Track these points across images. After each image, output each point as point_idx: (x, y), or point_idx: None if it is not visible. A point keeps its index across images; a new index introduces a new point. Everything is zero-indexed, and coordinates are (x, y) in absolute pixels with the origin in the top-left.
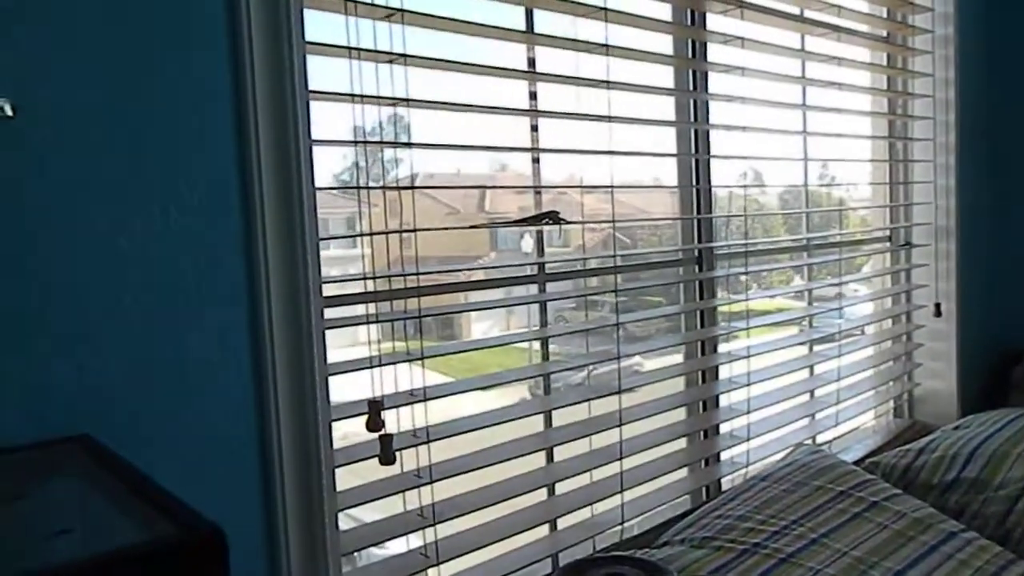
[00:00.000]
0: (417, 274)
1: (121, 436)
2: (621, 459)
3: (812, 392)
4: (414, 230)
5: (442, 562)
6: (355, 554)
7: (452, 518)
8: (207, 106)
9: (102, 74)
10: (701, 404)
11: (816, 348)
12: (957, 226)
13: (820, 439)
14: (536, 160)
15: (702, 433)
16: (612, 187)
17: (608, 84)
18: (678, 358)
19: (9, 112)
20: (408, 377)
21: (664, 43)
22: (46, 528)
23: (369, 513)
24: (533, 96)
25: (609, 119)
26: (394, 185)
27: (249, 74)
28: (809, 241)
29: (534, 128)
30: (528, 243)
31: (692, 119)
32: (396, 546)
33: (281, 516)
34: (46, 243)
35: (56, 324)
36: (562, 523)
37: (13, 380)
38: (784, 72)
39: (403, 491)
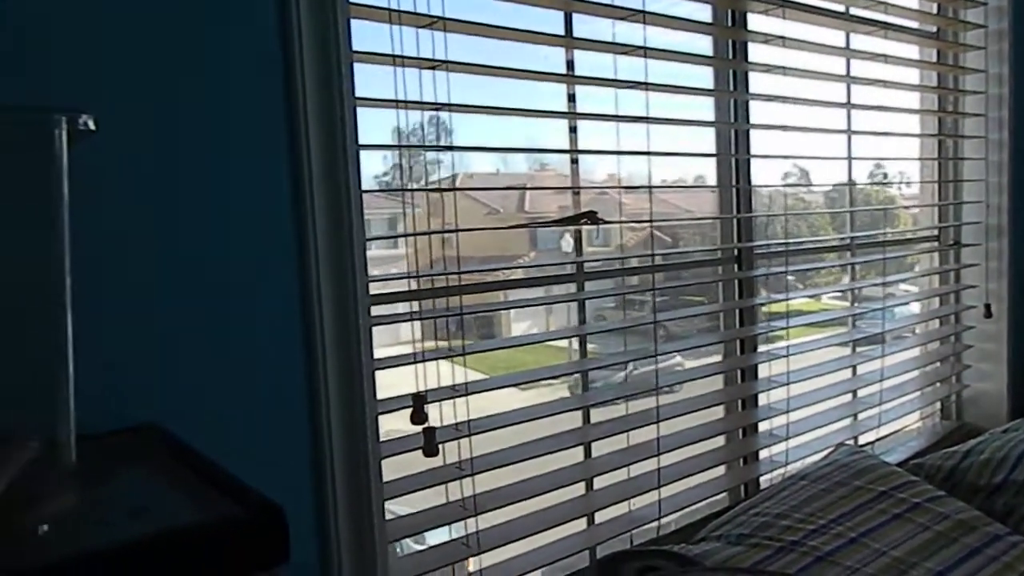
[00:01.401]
0: (459, 272)
1: (185, 425)
2: (659, 455)
3: (855, 392)
4: (456, 230)
5: (483, 552)
6: (394, 545)
7: (492, 509)
8: (261, 116)
9: (162, 85)
10: (740, 403)
11: (862, 348)
12: (1009, 225)
13: (862, 440)
14: (575, 161)
15: (740, 431)
16: (650, 187)
17: (647, 86)
18: (717, 357)
19: (92, 126)
20: (449, 373)
21: (704, 44)
22: (124, 508)
23: (402, 507)
24: (572, 98)
25: (647, 120)
26: (436, 186)
27: (300, 84)
28: (853, 240)
29: (572, 130)
30: (568, 243)
31: (732, 119)
32: (434, 538)
33: (331, 504)
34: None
35: (128, 324)
36: (599, 517)
37: (92, 375)
38: (828, 70)
39: (446, 482)
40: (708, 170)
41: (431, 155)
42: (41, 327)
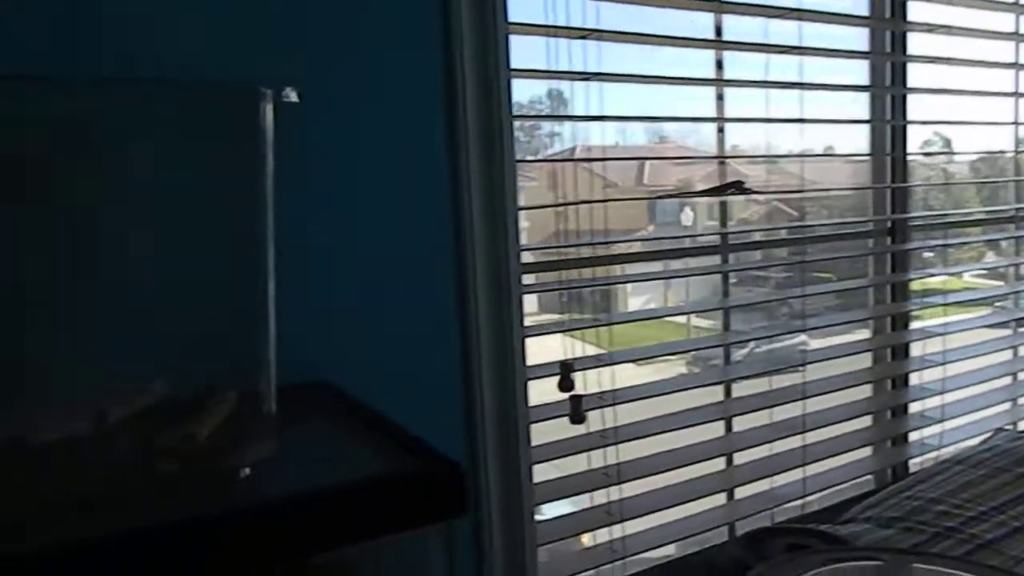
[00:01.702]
0: (607, 243)
1: (351, 384)
2: (804, 432)
3: (1015, 376)
4: (605, 200)
5: (625, 520)
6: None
7: (635, 479)
8: (421, 84)
9: (346, 73)
10: (889, 382)
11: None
12: None
13: (1022, 426)
14: (721, 130)
15: (889, 412)
16: (802, 156)
17: (801, 50)
18: (864, 334)
19: (295, 98)
20: (578, 345)
21: (861, 6)
22: (310, 456)
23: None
24: (720, 65)
25: (800, 86)
26: (587, 156)
27: (458, 55)
28: (1018, 212)
29: (720, 97)
30: (688, 216)
31: (888, 83)
32: (561, 508)
33: (483, 465)
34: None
35: (311, 290)
36: (739, 493)
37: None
38: (993, 29)
39: (589, 450)
40: (838, 140)
41: (546, 127)
42: (246, 290)
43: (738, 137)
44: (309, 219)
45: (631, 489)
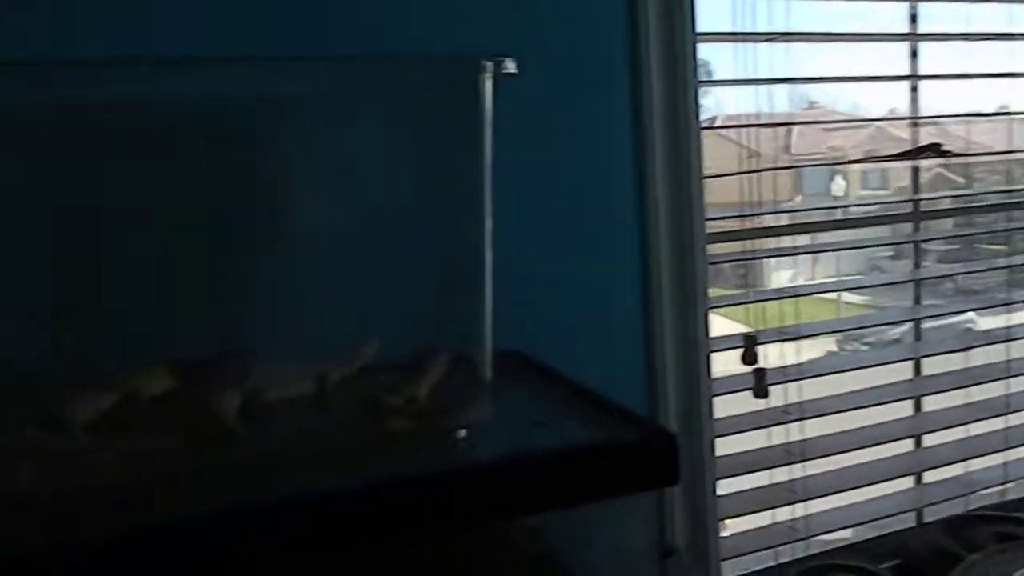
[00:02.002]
0: (792, 211)
1: (534, 354)
2: (1007, 414)
3: None
4: (793, 166)
5: (807, 499)
6: None
7: (818, 457)
8: (607, 53)
9: (531, 41)
10: None
11: None
12: None
13: None
14: (915, 89)
15: None
16: (1009, 115)
17: None
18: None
19: (513, 69)
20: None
21: None
22: (525, 420)
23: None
24: (914, 19)
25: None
26: (778, 122)
27: (643, 16)
28: None
29: (914, 54)
30: (839, 185)
31: None
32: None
33: None
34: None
35: (500, 259)
36: (927, 477)
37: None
38: None
39: (771, 425)
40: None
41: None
42: (464, 259)
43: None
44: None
45: (814, 468)
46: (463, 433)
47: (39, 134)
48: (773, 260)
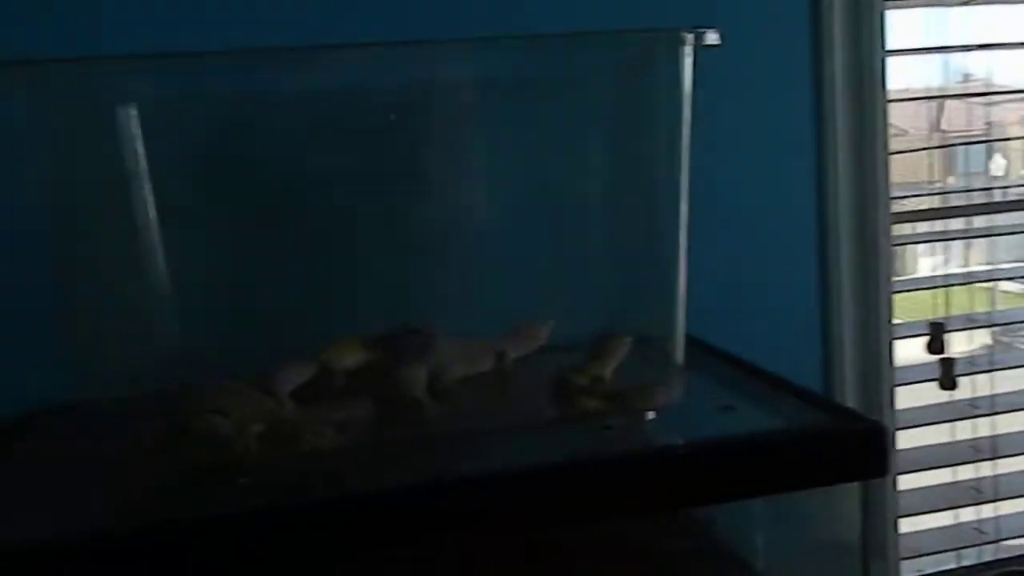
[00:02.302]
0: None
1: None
2: None
3: None
4: (1004, 139)
5: (996, 500)
6: None
7: (1009, 456)
8: (786, 25)
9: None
10: None
11: None
12: None
13: None
14: None
15: None
16: None
17: None
18: None
19: (716, 41)
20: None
21: None
22: (712, 404)
23: None
24: None
25: None
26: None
27: None
28: None
29: None
30: (999, 164)
31: None
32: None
33: None
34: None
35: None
36: None
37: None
38: None
39: (958, 419)
40: None
41: None
42: (659, 239)
43: None
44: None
45: (1005, 467)
46: (651, 415)
47: (237, 121)
48: (920, 246)
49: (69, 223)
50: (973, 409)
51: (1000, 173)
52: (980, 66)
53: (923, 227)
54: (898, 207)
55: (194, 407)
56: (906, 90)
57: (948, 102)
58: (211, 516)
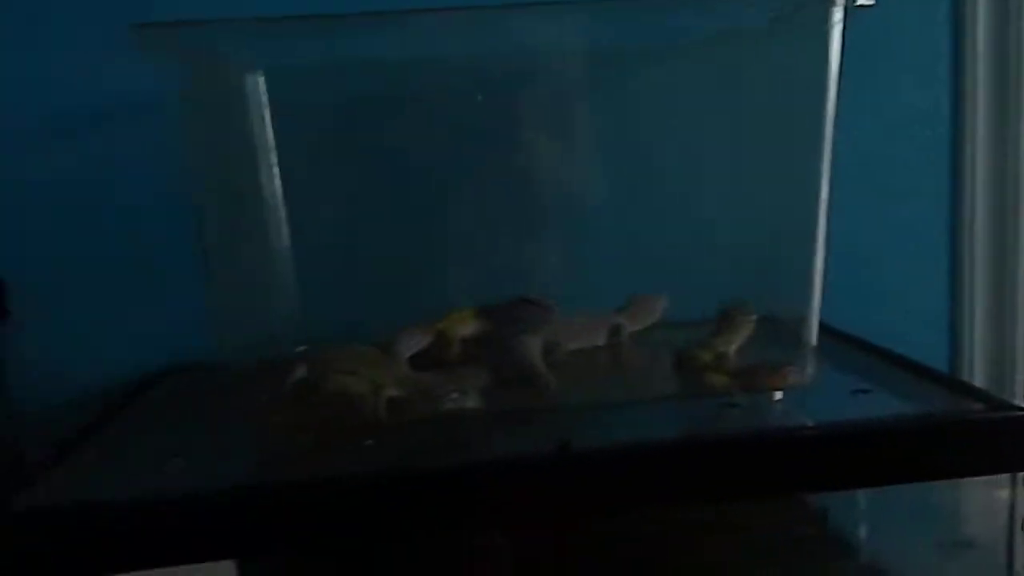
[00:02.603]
0: None
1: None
2: None
3: None
4: None
5: None
6: None
7: None
8: None
9: None
10: None
11: None
12: None
13: None
14: None
15: None
16: None
17: None
18: None
19: (869, 1)
20: None
21: None
22: (845, 387)
23: None
24: None
25: None
26: None
27: None
28: None
29: None
30: None
31: None
32: None
33: None
34: None
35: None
36: None
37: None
38: None
39: None
40: None
41: None
42: (797, 214)
43: None
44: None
45: None
46: (779, 396)
47: (360, 90)
48: None
49: (200, 189)
50: None
51: None
52: None
53: None
54: None
55: (326, 368)
56: None
57: None
58: (332, 477)
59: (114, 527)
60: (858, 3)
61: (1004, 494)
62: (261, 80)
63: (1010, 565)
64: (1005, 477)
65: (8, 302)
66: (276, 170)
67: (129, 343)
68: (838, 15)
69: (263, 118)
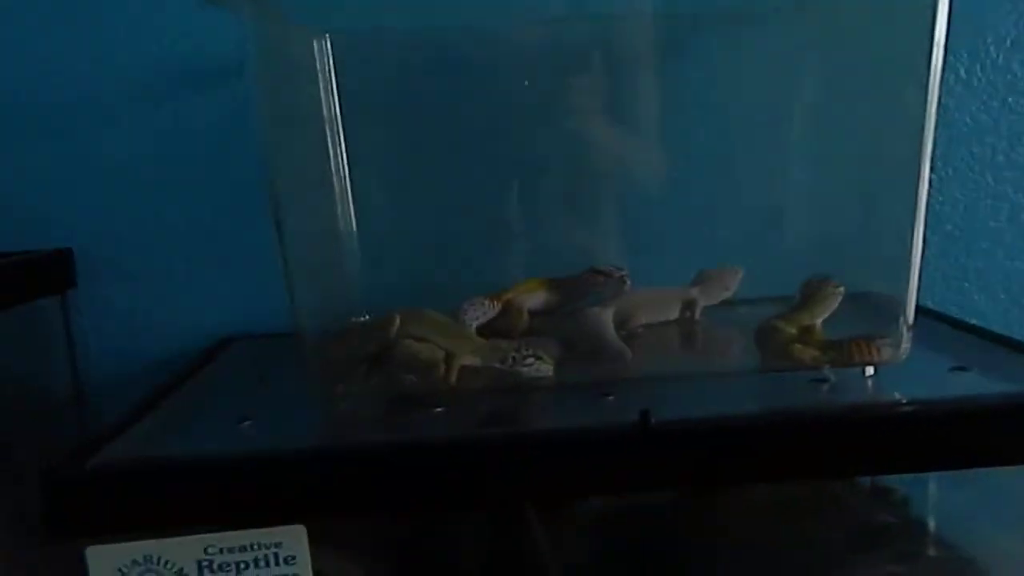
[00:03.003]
0: None
1: None
2: None
3: None
4: None
5: None
6: None
7: None
8: None
9: None
10: None
11: None
12: None
13: None
14: None
15: None
16: None
17: None
18: None
19: None
20: None
21: None
22: (946, 365)
23: None
24: None
25: None
26: None
27: None
28: None
29: None
30: None
31: None
32: None
33: None
34: None
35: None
36: None
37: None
38: None
39: None
40: None
41: None
42: (895, 186)
43: None
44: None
45: None
46: (871, 372)
47: (425, 58)
48: None
49: (270, 157)
50: None
51: None
52: None
53: None
54: None
55: (399, 334)
56: None
57: None
58: (403, 443)
59: (182, 485)
60: None
61: None
62: (327, 45)
63: None
64: None
65: (75, 272)
66: (341, 138)
67: (195, 313)
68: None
69: (330, 85)
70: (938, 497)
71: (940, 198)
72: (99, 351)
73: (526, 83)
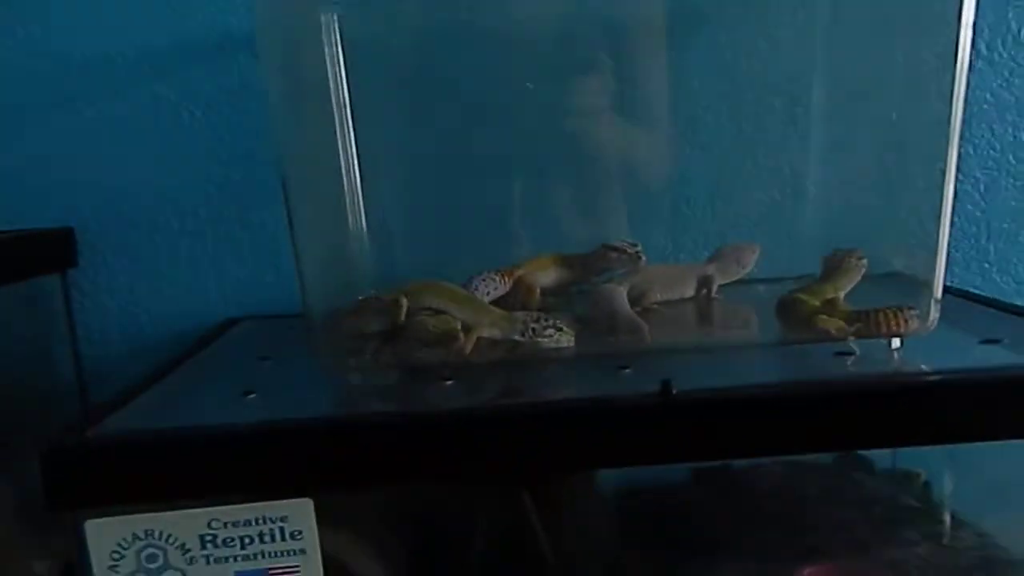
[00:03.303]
0: None
1: None
2: None
3: None
4: None
5: None
6: None
7: None
8: None
9: None
10: None
11: None
12: None
13: None
14: None
15: None
16: None
17: None
18: None
19: None
20: None
21: None
22: (972, 337)
23: None
24: None
25: None
26: None
27: None
28: None
29: None
30: None
31: None
32: None
33: None
34: None
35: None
36: None
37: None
38: None
39: None
40: None
41: None
42: (924, 160)
43: None
44: None
45: None
46: (898, 344)
47: (437, 36)
48: None
49: (280, 132)
50: None
51: None
52: None
53: None
54: None
55: (416, 305)
56: None
57: None
58: (408, 414)
59: (185, 456)
60: None
61: None
62: (335, 18)
63: None
64: None
65: (76, 251)
66: (349, 112)
67: (198, 294)
68: None
69: (337, 60)
70: (959, 481)
71: (960, 177)
72: (100, 330)
73: (529, 85)
